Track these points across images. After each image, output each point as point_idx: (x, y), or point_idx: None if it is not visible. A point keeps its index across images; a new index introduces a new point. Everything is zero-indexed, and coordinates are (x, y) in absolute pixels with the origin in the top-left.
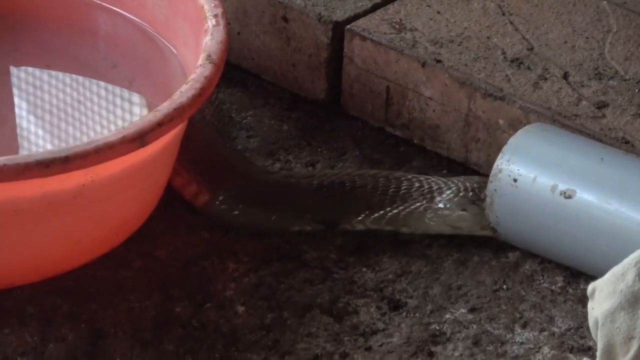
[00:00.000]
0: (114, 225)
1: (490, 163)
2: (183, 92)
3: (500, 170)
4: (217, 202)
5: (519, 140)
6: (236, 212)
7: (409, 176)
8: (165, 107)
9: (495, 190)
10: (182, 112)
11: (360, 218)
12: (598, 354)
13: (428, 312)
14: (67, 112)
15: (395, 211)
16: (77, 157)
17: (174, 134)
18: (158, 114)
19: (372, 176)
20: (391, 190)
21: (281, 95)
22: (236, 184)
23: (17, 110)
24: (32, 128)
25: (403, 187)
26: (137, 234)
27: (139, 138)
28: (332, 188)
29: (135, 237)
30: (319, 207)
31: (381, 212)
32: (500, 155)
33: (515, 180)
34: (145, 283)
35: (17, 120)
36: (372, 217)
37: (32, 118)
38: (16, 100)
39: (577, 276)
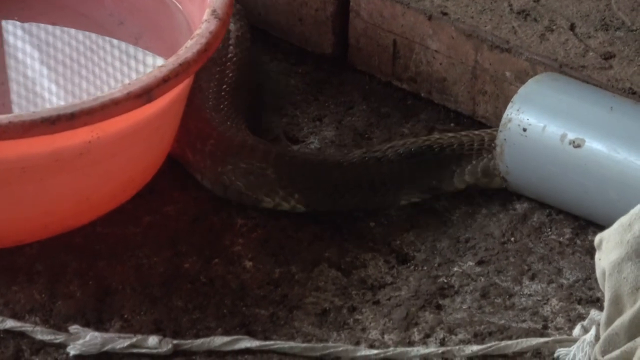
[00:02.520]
0: (121, 181)
1: (497, 115)
2: (188, 48)
3: (509, 120)
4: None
5: (528, 89)
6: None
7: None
8: (170, 62)
9: (505, 139)
10: (188, 67)
11: (458, 175)
12: (605, 304)
13: (436, 265)
14: (74, 68)
15: (484, 160)
16: (83, 114)
17: (180, 89)
18: (164, 70)
19: (449, 137)
20: (475, 144)
21: (288, 50)
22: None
23: (27, 65)
24: (46, 83)
25: (478, 141)
26: (146, 190)
27: (145, 94)
28: (422, 154)
29: (144, 193)
30: (416, 175)
31: (474, 162)
32: (510, 104)
33: (524, 130)
34: (153, 239)
35: (28, 76)
36: (467, 170)
37: (44, 72)
38: (24, 56)
39: (585, 228)
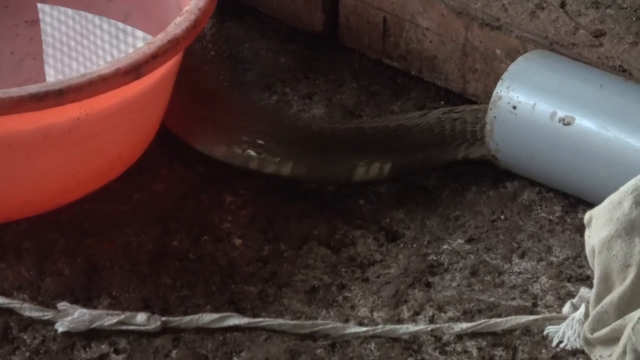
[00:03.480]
0: (110, 158)
1: (487, 93)
2: (177, 24)
3: (499, 98)
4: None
5: (518, 67)
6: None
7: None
8: (159, 39)
9: (495, 117)
10: (177, 44)
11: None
12: (595, 281)
13: (425, 243)
14: (64, 51)
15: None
16: (71, 90)
17: (169, 66)
18: (152, 46)
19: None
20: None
21: (278, 27)
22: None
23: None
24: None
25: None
26: (135, 168)
27: (134, 70)
28: (443, 126)
29: (133, 171)
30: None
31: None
32: (500, 82)
33: (514, 108)
34: (142, 217)
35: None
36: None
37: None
38: (14, 34)
39: (575, 206)
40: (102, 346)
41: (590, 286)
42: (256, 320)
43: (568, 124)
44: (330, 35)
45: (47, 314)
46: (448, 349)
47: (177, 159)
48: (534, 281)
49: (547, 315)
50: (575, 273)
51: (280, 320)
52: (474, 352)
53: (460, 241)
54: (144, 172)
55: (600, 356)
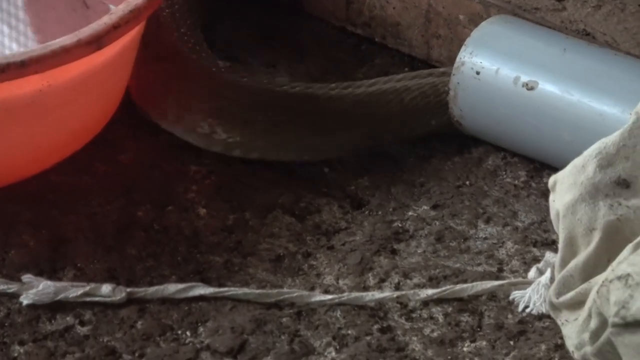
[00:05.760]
0: (74, 130)
1: (451, 59)
2: None
3: (462, 63)
4: None
5: (481, 32)
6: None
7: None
8: (120, 9)
9: (458, 83)
10: (138, 14)
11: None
12: (560, 246)
13: (390, 209)
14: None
15: None
16: (33, 62)
17: (131, 36)
18: (114, 17)
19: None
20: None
21: None
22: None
23: None
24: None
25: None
26: (99, 139)
27: (95, 41)
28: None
29: (97, 142)
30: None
31: None
32: (463, 47)
33: (478, 73)
34: (107, 188)
35: None
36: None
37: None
38: None
39: (540, 170)
40: (67, 318)
41: (556, 251)
42: (221, 289)
43: (531, 88)
44: (293, 3)
45: (12, 287)
46: (414, 315)
47: (141, 129)
48: (500, 246)
49: (513, 280)
50: (540, 238)
51: (246, 290)
52: (440, 318)
53: (426, 207)
54: (109, 143)
55: (566, 320)
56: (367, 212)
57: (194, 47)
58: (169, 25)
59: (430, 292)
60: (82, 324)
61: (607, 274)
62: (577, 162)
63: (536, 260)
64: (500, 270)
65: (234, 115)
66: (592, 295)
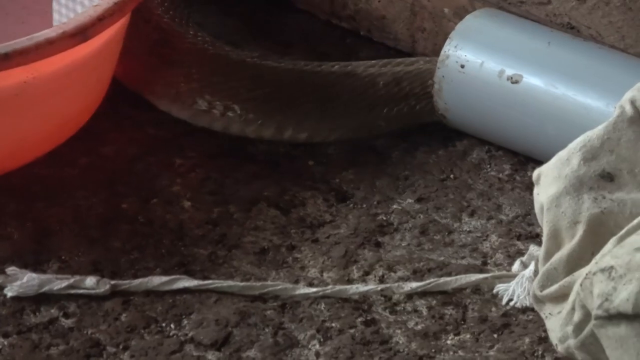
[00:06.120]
0: (58, 122)
1: (436, 52)
2: None
3: (447, 57)
4: None
5: (466, 25)
6: None
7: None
8: (105, 2)
9: (443, 76)
10: (124, 6)
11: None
12: (544, 239)
13: (375, 203)
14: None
15: None
16: (17, 54)
17: (116, 28)
18: (99, 9)
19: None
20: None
21: None
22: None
23: None
24: None
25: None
26: (83, 131)
27: (80, 33)
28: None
29: (81, 134)
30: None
31: None
32: (448, 41)
33: (462, 67)
34: (91, 180)
35: None
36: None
37: None
38: None
39: (525, 163)
40: (52, 310)
41: (540, 244)
42: (206, 282)
43: (516, 82)
44: None
45: None
46: (398, 308)
47: (125, 121)
48: (484, 240)
49: (497, 273)
50: (524, 231)
51: (230, 282)
52: (424, 311)
53: (410, 200)
54: (93, 136)
55: (549, 313)
56: (351, 205)
57: (186, 29)
58: (160, 14)
59: (414, 285)
60: (66, 316)
61: (591, 266)
62: (561, 155)
63: (520, 253)
64: (485, 263)
65: (233, 90)
66: (576, 288)
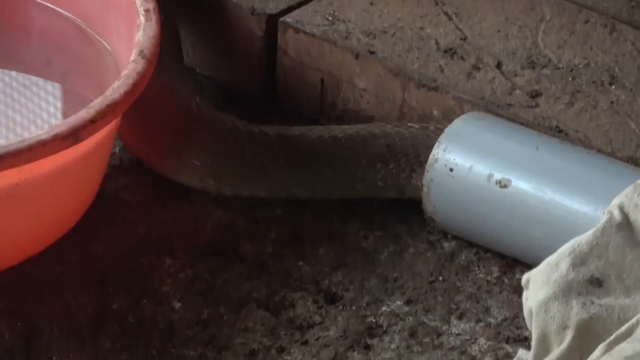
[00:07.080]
0: (50, 223)
1: None
2: (115, 89)
3: (436, 160)
4: None
5: (455, 129)
6: None
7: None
8: (97, 103)
9: (431, 179)
10: (115, 108)
11: None
12: (533, 343)
13: (364, 304)
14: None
15: None
16: (9, 156)
17: (107, 130)
18: (91, 111)
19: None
20: None
21: (215, 88)
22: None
23: None
24: None
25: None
26: (73, 228)
27: (72, 135)
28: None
29: (70, 232)
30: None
31: None
32: (437, 144)
33: (451, 170)
34: (81, 279)
35: None
36: None
37: None
38: None
39: (513, 266)
40: None
41: (529, 347)
42: None
43: (505, 186)
44: (268, 95)
45: None
46: None
47: (115, 219)
48: (473, 342)
49: None
50: (513, 334)
51: None
52: None
53: (399, 302)
54: (83, 233)
55: None
56: (340, 307)
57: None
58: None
59: None
60: None
61: None
62: (550, 260)
63: (509, 357)
64: None
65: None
66: None
